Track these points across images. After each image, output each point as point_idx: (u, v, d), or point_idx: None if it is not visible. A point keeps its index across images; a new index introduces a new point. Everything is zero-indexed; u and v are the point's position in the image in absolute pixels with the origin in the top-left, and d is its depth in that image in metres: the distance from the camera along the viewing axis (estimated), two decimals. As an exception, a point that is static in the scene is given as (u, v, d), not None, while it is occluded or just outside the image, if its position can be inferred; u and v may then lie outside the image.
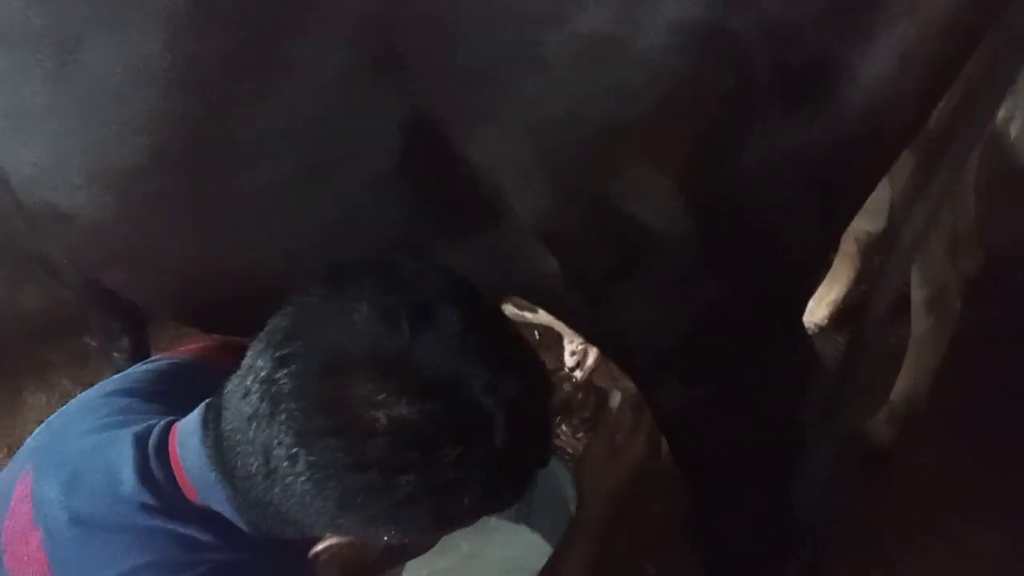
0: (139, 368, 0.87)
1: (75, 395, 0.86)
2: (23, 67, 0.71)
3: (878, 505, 1.50)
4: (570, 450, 1.55)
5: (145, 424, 0.74)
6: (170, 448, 0.71)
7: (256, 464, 0.64)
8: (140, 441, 0.71)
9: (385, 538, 0.67)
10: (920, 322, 1.46)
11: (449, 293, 0.67)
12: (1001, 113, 1.72)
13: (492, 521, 1.35)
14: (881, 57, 0.58)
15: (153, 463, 0.70)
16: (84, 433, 0.74)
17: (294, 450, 0.62)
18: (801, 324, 0.88)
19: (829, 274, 1.84)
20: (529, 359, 0.72)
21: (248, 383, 0.65)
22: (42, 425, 0.81)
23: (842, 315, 1.83)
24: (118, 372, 0.91)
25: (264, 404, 0.63)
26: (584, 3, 0.56)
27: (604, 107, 0.60)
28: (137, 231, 0.81)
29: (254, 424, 0.64)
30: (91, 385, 0.87)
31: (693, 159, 0.62)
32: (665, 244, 0.67)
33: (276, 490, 0.64)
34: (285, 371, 0.63)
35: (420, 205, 0.73)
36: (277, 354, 0.64)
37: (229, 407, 0.67)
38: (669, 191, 0.63)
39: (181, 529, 0.67)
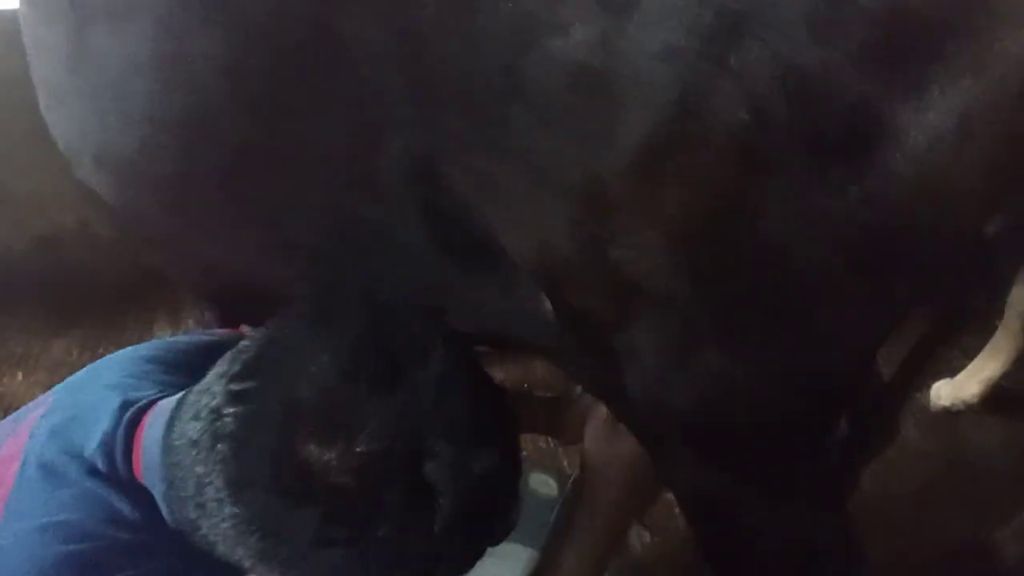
0: (178, 338, 0.89)
1: (201, 333, 0.86)
2: (53, 46, 0.78)
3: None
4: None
5: (142, 392, 0.74)
6: (141, 422, 0.71)
7: (191, 491, 0.63)
8: (122, 407, 0.71)
9: None
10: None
11: (427, 351, 0.63)
12: None
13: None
14: (936, 118, 0.47)
15: (120, 431, 0.70)
16: (101, 387, 0.75)
17: (223, 494, 0.61)
18: (831, 437, 0.73)
19: (988, 347, 1.60)
20: (504, 437, 0.67)
21: (201, 404, 0.64)
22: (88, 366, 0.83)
23: (999, 397, 1.60)
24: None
25: (206, 436, 0.62)
26: (559, 27, 0.50)
27: (583, 144, 0.54)
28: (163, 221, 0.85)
29: (194, 452, 0.63)
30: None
31: (690, 216, 0.53)
32: (658, 303, 0.59)
33: (205, 522, 0.63)
34: (232, 410, 0.61)
35: (433, 252, 0.70)
36: (231, 387, 0.62)
37: (182, 419, 0.65)
38: (661, 246, 0.55)
39: (115, 501, 0.67)
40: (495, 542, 0.69)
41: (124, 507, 0.67)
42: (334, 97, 0.64)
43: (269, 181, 0.72)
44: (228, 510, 0.60)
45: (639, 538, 1.40)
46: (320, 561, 0.60)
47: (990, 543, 1.38)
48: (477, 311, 0.72)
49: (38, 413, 0.74)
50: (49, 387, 0.81)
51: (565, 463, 1.56)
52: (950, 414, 1.65)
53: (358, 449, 0.58)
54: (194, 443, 0.62)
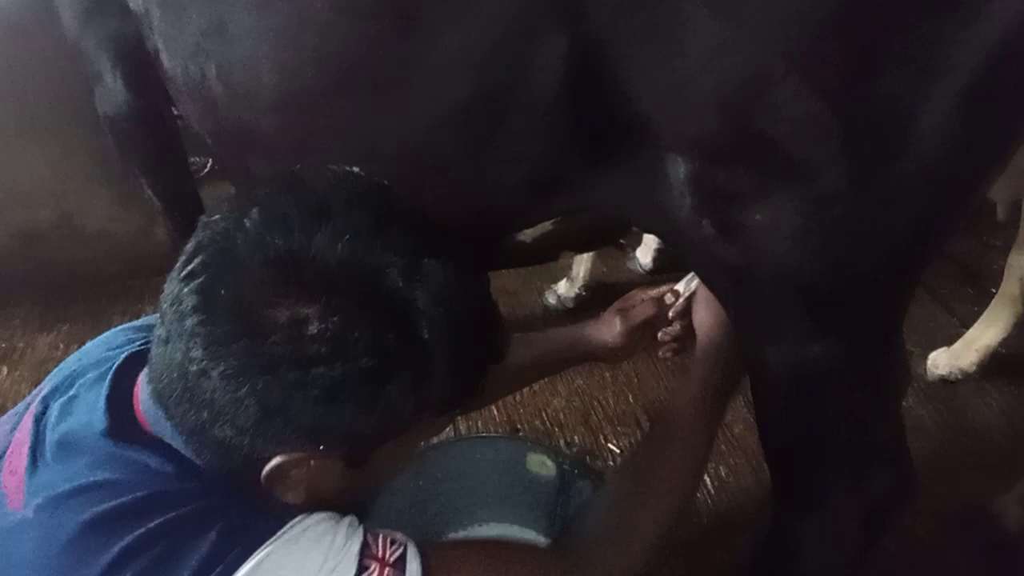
0: None
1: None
2: None
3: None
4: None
5: (133, 353, 0.77)
6: (137, 381, 0.73)
7: (179, 388, 0.64)
8: (120, 369, 0.74)
9: (322, 447, 0.66)
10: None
11: (351, 191, 0.67)
12: None
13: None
14: None
15: (123, 392, 0.73)
16: (100, 361, 0.77)
17: (204, 363, 0.62)
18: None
19: (985, 314, 1.60)
20: (451, 248, 0.69)
21: (162, 309, 0.66)
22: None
23: (995, 365, 1.61)
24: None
25: (175, 325, 0.64)
26: None
27: (754, 32, 0.64)
28: (315, 153, 0.89)
29: (168, 347, 0.64)
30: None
31: (846, 81, 0.64)
32: (804, 166, 0.68)
33: (204, 413, 0.64)
34: (187, 288, 0.63)
35: (566, 134, 0.77)
36: (181, 274, 0.65)
37: (154, 343, 0.68)
38: (818, 113, 0.65)
39: (134, 455, 0.69)
40: (491, 357, 0.71)
41: (149, 459, 0.68)
42: None
43: (435, 91, 0.78)
44: (216, 374, 0.61)
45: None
46: (313, 385, 0.61)
47: (991, 510, 1.37)
48: (603, 203, 0.82)
49: (40, 394, 0.76)
50: (35, 383, 0.80)
51: (562, 443, 1.55)
52: (948, 383, 1.66)
53: (309, 272, 0.62)
54: (166, 340, 0.64)
